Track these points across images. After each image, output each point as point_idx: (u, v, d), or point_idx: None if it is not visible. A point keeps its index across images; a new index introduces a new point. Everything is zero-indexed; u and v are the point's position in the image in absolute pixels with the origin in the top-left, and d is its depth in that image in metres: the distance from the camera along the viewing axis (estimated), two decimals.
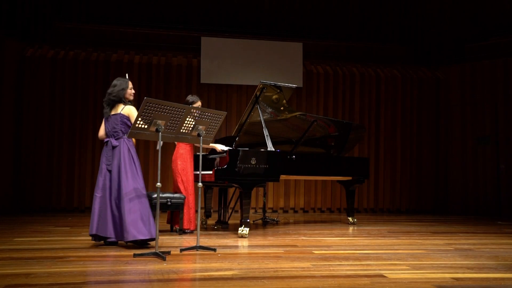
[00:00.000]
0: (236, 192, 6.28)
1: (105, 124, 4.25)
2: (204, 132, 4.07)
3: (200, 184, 4.01)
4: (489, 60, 8.87)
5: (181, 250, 3.85)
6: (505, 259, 3.77)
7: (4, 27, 8.08)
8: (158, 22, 9.04)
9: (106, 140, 4.21)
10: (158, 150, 3.75)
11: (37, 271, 3.02)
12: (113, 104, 4.21)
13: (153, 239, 3.94)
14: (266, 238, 4.87)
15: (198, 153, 5.09)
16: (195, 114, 3.96)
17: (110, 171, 4.12)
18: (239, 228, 4.88)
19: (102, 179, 4.13)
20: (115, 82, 4.27)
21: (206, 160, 5.51)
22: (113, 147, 4.14)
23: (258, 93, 5.30)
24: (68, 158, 7.86)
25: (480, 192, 8.84)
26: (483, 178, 8.80)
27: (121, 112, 4.17)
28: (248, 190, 4.99)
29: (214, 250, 3.89)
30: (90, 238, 4.19)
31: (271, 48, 8.75)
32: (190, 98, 5.27)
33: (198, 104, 5.22)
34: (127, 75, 4.46)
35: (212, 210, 6.27)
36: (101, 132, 4.29)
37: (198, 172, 4.65)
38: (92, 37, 8.54)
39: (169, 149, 8.10)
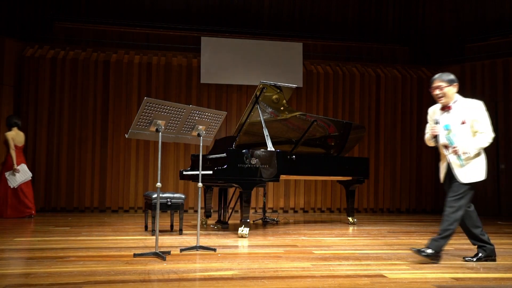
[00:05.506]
0: (236, 192, 6.27)
1: None
2: (204, 132, 4.08)
3: (200, 184, 4.01)
4: (489, 60, 8.87)
5: (181, 250, 3.85)
6: (505, 259, 3.77)
7: (4, 27, 8.08)
8: (158, 22, 9.05)
9: None
10: (158, 150, 3.76)
11: (37, 271, 3.02)
12: None
13: None
14: (266, 238, 4.87)
15: (197, 153, 5.09)
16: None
17: None
18: (239, 228, 4.88)
19: None
20: None
21: (205, 160, 5.51)
22: None
23: (258, 93, 5.30)
24: (68, 158, 7.86)
25: (480, 192, 8.82)
26: None
27: None
28: (248, 190, 4.99)
29: (214, 250, 3.89)
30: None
31: (271, 48, 8.74)
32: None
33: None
34: None
35: (212, 210, 6.27)
36: None
37: (198, 172, 4.65)
38: (92, 37, 8.54)
39: (169, 149, 8.11)
